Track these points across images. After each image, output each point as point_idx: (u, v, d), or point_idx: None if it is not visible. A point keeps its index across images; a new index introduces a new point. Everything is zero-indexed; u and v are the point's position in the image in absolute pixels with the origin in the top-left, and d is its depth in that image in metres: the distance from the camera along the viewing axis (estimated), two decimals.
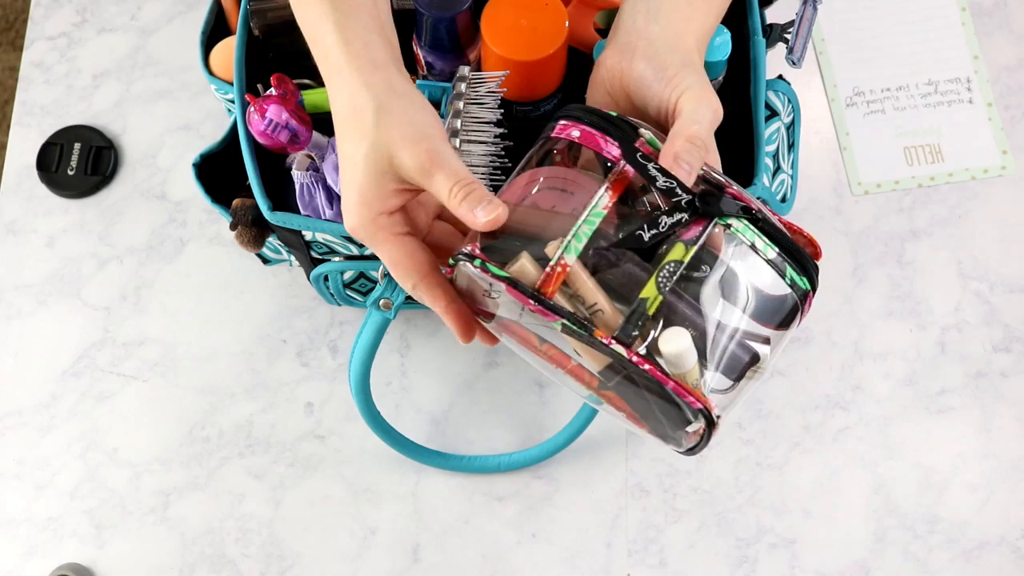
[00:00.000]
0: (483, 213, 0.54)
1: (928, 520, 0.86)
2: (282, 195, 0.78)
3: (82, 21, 1.02)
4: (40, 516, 0.88)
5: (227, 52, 0.84)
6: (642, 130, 0.58)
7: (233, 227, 0.79)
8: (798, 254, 0.57)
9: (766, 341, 0.56)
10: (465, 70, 0.69)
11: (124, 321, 0.93)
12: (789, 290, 0.56)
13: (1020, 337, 0.91)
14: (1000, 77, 0.99)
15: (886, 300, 0.92)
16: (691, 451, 0.57)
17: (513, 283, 0.54)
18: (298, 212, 0.76)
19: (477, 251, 0.55)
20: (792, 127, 0.83)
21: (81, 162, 0.96)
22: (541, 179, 0.57)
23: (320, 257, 0.81)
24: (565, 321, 0.53)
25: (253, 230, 0.80)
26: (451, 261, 0.56)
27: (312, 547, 0.87)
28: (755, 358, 0.56)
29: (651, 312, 0.54)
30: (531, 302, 0.54)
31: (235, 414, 0.90)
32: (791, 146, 0.82)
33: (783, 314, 0.57)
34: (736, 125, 0.79)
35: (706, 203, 0.56)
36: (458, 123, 0.66)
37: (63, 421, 0.90)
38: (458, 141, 0.66)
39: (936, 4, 1.01)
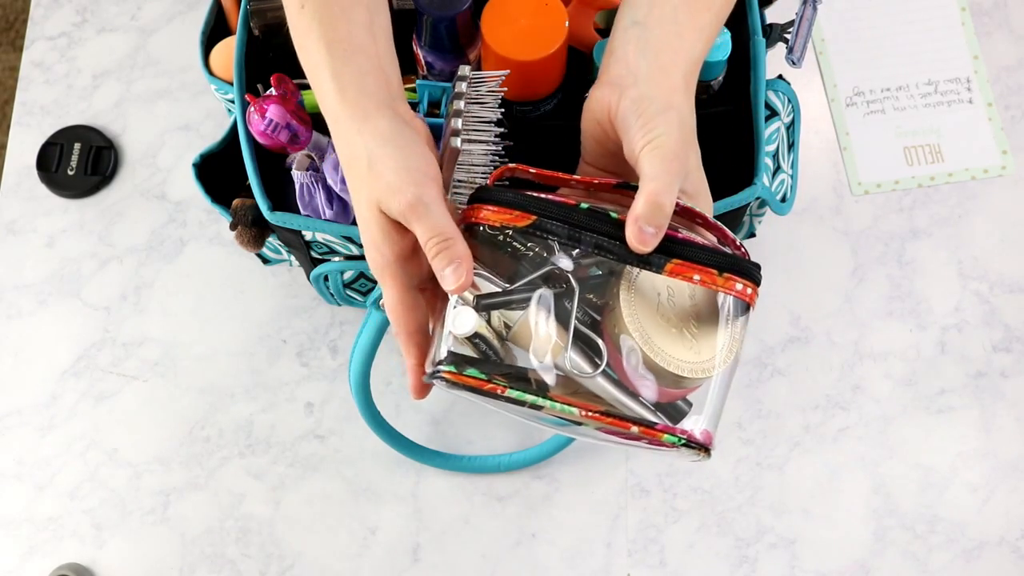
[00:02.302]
0: (452, 277, 0.56)
1: (928, 520, 0.86)
2: (282, 195, 0.78)
3: (82, 21, 1.02)
4: (40, 516, 0.88)
5: (227, 52, 0.84)
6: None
7: (233, 227, 0.79)
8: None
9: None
10: (466, 69, 0.69)
11: (124, 321, 0.93)
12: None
13: (1020, 337, 0.91)
14: (1000, 77, 0.99)
15: (886, 300, 0.92)
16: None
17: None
18: (298, 212, 0.76)
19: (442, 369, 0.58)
20: (792, 127, 0.83)
21: (81, 162, 0.96)
22: None
23: (320, 257, 0.81)
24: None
25: (253, 230, 0.80)
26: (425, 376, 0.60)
27: (312, 547, 0.87)
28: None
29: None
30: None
31: (235, 414, 0.90)
32: (791, 146, 0.82)
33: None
34: (736, 125, 0.79)
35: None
36: (459, 123, 0.66)
37: (63, 421, 0.90)
38: (459, 141, 0.66)
39: (936, 4, 1.01)
